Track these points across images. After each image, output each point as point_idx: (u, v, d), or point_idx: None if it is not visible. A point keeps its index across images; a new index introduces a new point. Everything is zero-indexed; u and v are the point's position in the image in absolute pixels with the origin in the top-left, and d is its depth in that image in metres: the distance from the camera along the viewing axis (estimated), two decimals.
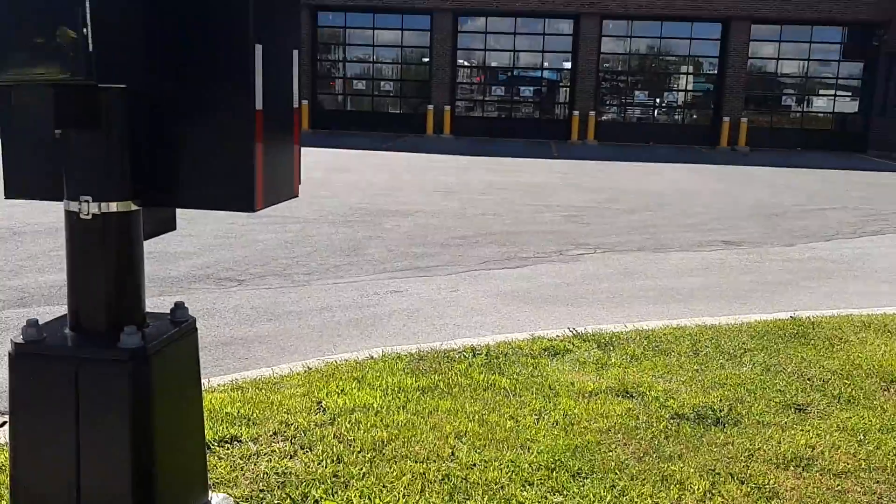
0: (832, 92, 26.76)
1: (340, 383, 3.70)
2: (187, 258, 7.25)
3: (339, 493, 2.81)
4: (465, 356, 4.24)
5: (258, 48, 2.16)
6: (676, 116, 27.82)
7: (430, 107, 25.90)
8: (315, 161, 16.80)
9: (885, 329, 5.25)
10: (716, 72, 26.91)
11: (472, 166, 17.25)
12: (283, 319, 5.56)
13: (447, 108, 25.91)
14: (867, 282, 7.40)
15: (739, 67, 25.87)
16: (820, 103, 27.19)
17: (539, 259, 7.89)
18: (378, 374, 3.88)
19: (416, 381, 3.78)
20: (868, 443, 3.43)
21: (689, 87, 27.92)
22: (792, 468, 3.16)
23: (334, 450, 3.13)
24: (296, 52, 2.44)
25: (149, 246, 7.91)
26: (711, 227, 10.15)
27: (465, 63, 27.60)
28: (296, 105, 2.46)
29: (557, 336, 4.68)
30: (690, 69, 27.75)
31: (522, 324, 5.56)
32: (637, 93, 27.97)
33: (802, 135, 26.25)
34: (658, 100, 27.83)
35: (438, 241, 8.51)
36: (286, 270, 7.00)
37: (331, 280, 6.73)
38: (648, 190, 14.05)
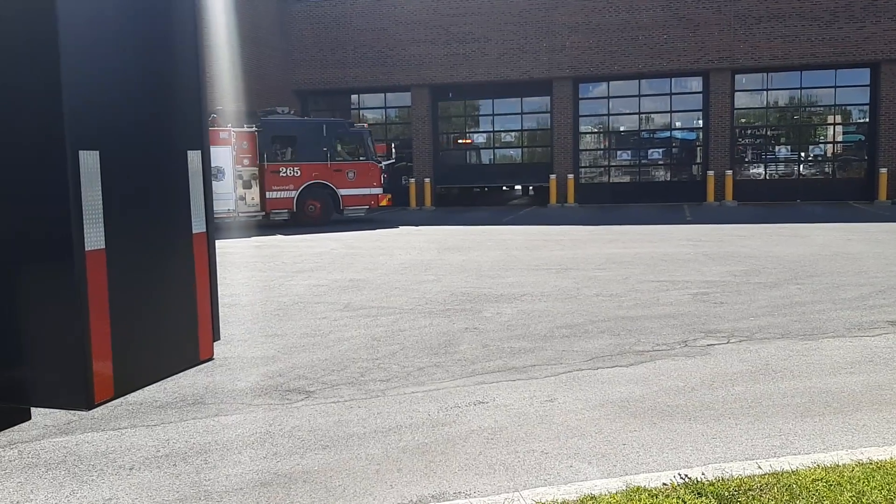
0: None
1: None
2: (262, 364, 6.63)
3: None
4: None
5: (88, 156, 1.40)
6: (826, 170, 25.52)
7: (553, 176, 25.03)
8: (429, 241, 16.26)
9: None
10: (867, 120, 24.58)
11: (594, 238, 16.12)
12: (340, 446, 4.73)
13: (570, 176, 24.95)
14: None
15: (895, 114, 23.46)
16: None
17: (658, 353, 6.72)
18: None
19: None
20: None
21: (838, 138, 25.64)
22: None
23: None
24: (196, 154, 1.67)
25: (228, 350, 7.16)
26: (874, 304, 8.55)
27: (590, 129, 26.66)
28: (199, 229, 1.68)
29: (663, 487, 3.54)
30: (838, 119, 25.53)
31: (626, 454, 4.45)
32: (778, 147, 25.97)
33: None
34: (803, 154, 25.67)
35: (541, 333, 7.50)
36: (363, 377, 6.22)
37: (410, 388, 5.88)
38: (795, 257, 12.41)
